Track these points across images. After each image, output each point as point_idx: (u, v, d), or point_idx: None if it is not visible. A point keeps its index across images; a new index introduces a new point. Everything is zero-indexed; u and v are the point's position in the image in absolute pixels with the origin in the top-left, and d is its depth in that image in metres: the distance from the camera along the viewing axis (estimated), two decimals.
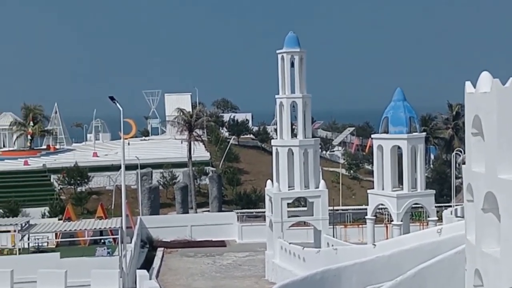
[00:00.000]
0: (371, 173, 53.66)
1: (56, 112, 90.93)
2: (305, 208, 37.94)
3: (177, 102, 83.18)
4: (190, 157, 58.92)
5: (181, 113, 61.62)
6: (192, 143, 59.59)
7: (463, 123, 12.59)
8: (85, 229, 41.70)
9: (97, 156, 71.53)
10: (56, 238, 43.32)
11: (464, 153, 13.60)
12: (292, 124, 37.52)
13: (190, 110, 68.66)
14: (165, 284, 35.11)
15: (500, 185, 10.65)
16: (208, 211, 57.02)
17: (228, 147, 71.48)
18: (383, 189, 33.43)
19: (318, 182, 35.96)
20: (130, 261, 34.43)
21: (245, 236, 47.72)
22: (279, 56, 36.24)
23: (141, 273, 30.51)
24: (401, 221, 32.59)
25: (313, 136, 38.66)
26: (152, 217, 51.65)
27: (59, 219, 46.80)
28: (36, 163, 68.17)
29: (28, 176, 63.42)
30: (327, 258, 27.71)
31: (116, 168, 55.43)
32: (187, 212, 55.11)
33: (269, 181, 36.97)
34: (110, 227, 41.13)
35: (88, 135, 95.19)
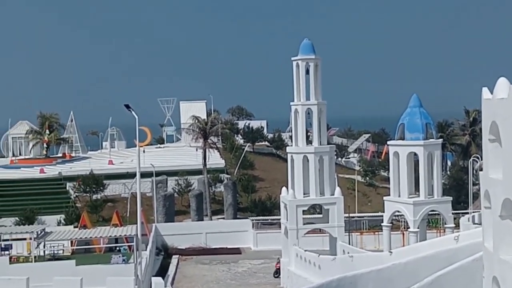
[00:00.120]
0: (387, 179, 53.42)
1: (72, 120, 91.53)
2: (320, 215, 37.79)
3: (192, 110, 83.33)
4: (205, 165, 59.00)
5: (196, 121, 61.74)
6: (207, 150, 59.68)
7: (480, 129, 12.47)
8: (101, 236, 41.83)
9: (113, 164, 71.84)
10: (71, 246, 43.49)
11: (482, 159, 13.46)
12: (307, 131, 37.43)
13: (205, 117, 68.77)
14: None
15: None
16: (223, 218, 57.01)
17: (243, 154, 71.49)
18: (399, 196, 33.23)
19: (333, 189, 35.82)
20: (145, 268, 34.45)
21: (260, 243, 47.63)
22: (294, 63, 36.21)
23: (156, 280, 30.53)
24: (418, 228, 32.36)
25: (328, 143, 38.54)
26: (167, 224, 51.73)
27: (74, 227, 47.01)
28: (52, 171, 68.60)
29: (44, 184, 63.84)
30: (343, 266, 27.54)
31: (132, 175, 55.60)
32: (202, 220, 55.14)
33: (284, 188, 36.88)
34: (125, 235, 41.24)
35: (104, 143, 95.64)
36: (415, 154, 33.29)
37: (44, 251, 41.48)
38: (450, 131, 77.56)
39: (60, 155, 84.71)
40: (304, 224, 35.48)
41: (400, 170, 33.25)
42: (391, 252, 26.39)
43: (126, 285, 30.95)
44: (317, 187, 35.41)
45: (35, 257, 39.73)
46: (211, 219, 55.85)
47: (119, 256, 38.83)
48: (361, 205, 59.03)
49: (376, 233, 44.91)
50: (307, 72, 35.93)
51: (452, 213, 34.66)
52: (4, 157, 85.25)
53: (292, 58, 36.34)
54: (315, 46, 36.30)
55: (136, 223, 35.71)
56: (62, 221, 54.13)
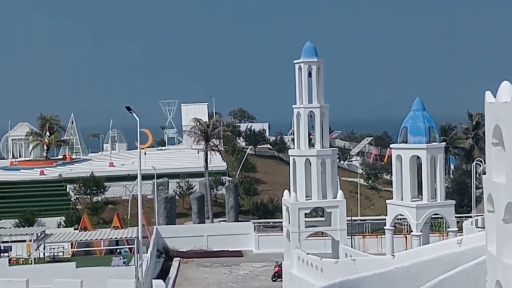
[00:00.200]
0: (389, 183, 53.28)
1: (72, 122, 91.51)
2: (323, 218, 37.65)
3: (194, 112, 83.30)
4: (206, 167, 58.89)
5: (198, 123, 61.68)
6: (208, 153, 59.60)
7: (483, 132, 12.35)
8: (101, 238, 41.69)
9: (113, 166, 71.78)
10: (71, 248, 43.36)
11: (485, 163, 13.32)
12: (309, 134, 37.29)
13: (207, 120, 68.72)
14: None
15: None
16: (225, 221, 56.89)
17: (244, 157, 71.39)
18: (402, 199, 33.07)
19: (336, 192, 35.67)
20: (146, 271, 34.32)
21: (262, 246, 47.49)
22: (297, 66, 36.09)
23: (157, 283, 30.40)
24: (421, 231, 32.19)
25: (330, 146, 38.41)
26: (168, 227, 51.62)
27: (75, 229, 46.89)
28: (52, 173, 68.55)
29: (44, 186, 63.77)
30: (346, 269, 27.38)
31: (133, 178, 55.51)
32: (204, 222, 55.00)
33: (286, 191, 36.75)
34: (126, 237, 41.11)
35: (105, 145, 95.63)
36: (418, 157, 33.12)
37: (44, 253, 41.36)
38: (453, 134, 77.41)
39: (60, 157, 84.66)
40: (306, 227, 35.32)
41: (403, 173, 33.10)
42: (393, 255, 26.21)
43: (126, 287, 30.82)
44: (319, 190, 35.27)
45: (34, 259, 39.61)
46: (213, 222, 55.72)
47: (120, 259, 38.71)
48: (364, 208, 58.87)
49: (379, 236, 44.76)
50: (310, 75, 35.80)
51: (455, 217, 34.47)
52: (4, 158, 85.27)
53: (295, 61, 36.22)
54: (318, 48, 36.18)
55: (137, 226, 35.61)
56: (62, 223, 54.05)
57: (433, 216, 34.40)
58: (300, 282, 32.86)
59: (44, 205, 58.08)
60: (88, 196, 61.11)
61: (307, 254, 33.43)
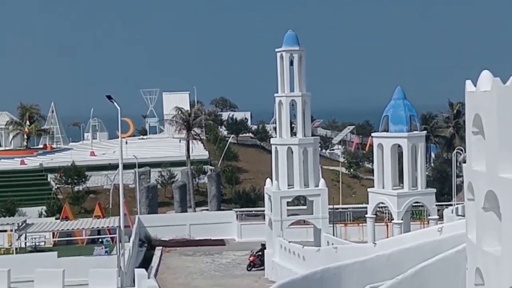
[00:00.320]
0: (371, 171, 53.56)
1: (52, 111, 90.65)
2: (305, 207, 37.82)
3: (175, 101, 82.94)
4: (188, 156, 58.79)
5: (179, 112, 61.48)
6: (190, 142, 59.46)
7: (464, 121, 12.45)
8: (83, 228, 41.44)
9: (95, 155, 71.38)
10: (53, 238, 43.10)
11: (465, 151, 13.45)
12: (291, 123, 37.39)
13: (189, 109, 68.47)
14: (164, 283, 34.96)
15: (501, 184, 10.53)
16: (207, 210, 56.89)
17: (227, 145, 71.34)
18: (383, 187, 33.31)
19: (317, 180, 35.84)
20: (128, 260, 34.28)
21: (244, 234, 47.60)
22: (278, 54, 36.09)
23: (140, 272, 30.37)
24: (402, 219, 32.47)
25: (312, 135, 38.52)
26: (150, 216, 51.51)
27: (56, 218, 46.63)
28: (32, 162, 67.98)
29: (25, 176, 63.26)
30: (327, 257, 27.57)
31: (114, 167, 55.24)
32: (186, 211, 54.96)
33: (268, 180, 36.84)
34: (108, 226, 40.89)
35: (85, 134, 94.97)
36: (399, 146, 33.35)
37: (25, 243, 41.09)
38: (434, 123, 77.95)
39: (41, 146, 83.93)
40: (288, 215, 35.49)
41: (384, 162, 33.32)
42: (375, 243, 26.44)
43: (109, 276, 30.75)
44: (301, 179, 35.41)
45: (16, 249, 39.33)
46: (195, 211, 55.69)
47: (102, 248, 38.56)
48: (345, 197, 59.17)
49: (360, 224, 45.04)
50: (291, 63, 35.85)
51: (436, 205, 34.80)
52: None
53: (276, 50, 36.21)
54: (299, 37, 36.22)
55: (119, 215, 35.52)
56: (44, 212, 53.71)
57: (414, 204, 34.70)
58: (282, 270, 33.04)
59: (25, 194, 57.65)
60: (69, 186, 60.74)
61: (289, 242, 33.61)
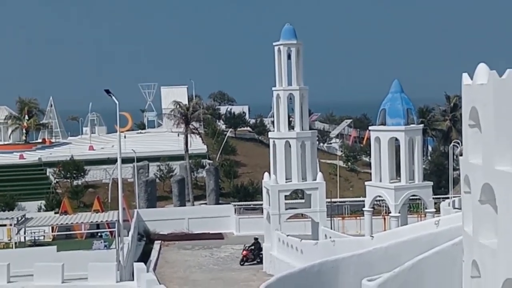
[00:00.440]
0: (368, 165, 53.70)
1: (51, 106, 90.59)
2: (302, 200, 37.92)
3: (174, 95, 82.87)
4: (187, 150, 58.84)
5: (178, 106, 61.49)
6: (188, 136, 59.51)
7: (461, 114, 12.50)
8: (82, 222, 41.58)
9: (93, 150, 71.39)
10: (52, 232, 43.22)
11: (462, 144, 13.54)
12: (289, 117, 37.43)
13: (187, 103, 68.44)
14: (163, 277, 35.07)
15: (497, 177, 10.59)
16: (205, 203, 56.99)
17: (225, 139, 71.39)
18: (380, 181, 33.41)
19: (315, 174, 35.92)
20: (127, 254, 34.36)
21: (243, 228, 47.70)
22: (276, 48, 36.11)
23: (139, 266, 30.42)
24: (399, 212, 32.59)
25: (310, 128, 38.58)
26: (149, 210, 51.60)
27: (55, 213, 46.71)
28: (31, 156, 67.99)
29: (24, 170, 63.29)
30: (325, 250, 27.67)
31: (113, 161, 55.29)
32: (184, 205, 55.06)
33: (266, 174, 36.91)
34: (107, 220, 41.03)
35: (84, 129, 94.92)
36: (396, 139, 33.45)
37: (24, 237, 41.19)
38: (431, 116, 78.02)
39: (39, 140, 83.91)
40: (286, 209, 35.58)
41: (381, 155, 33.41)
42: (372, 236, 26.55)
43: (108, 270, 30.80)
44: (299, 172, 35.49)
45: (15, 243, 39.44)
46: (193, 205, 55.79)
47: (101, 242, 38.68)
48: (343, 190, 59.30)
49: (358, 218, 45.18)
50: (289, 57, 35.86)
51: (433, 198, 34.94)
52: None
53: (274, 43, 36.23)
54: (297, 30, 36.22)
55: (118, 209, 35.59)
56: (43, 207, 53.77)
57: (411, 197, 34.82)
58: (280, 263, 33.16)
59: (24, 189, 57.69)
60: (68, 180, 60.79)
61: (287, 235, 33.71)
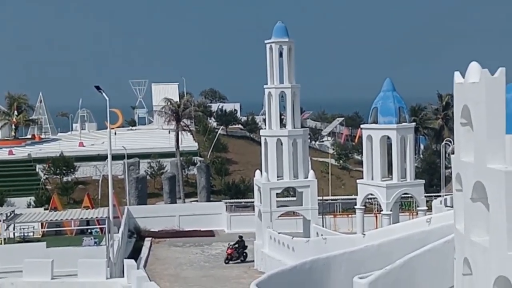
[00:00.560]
0: (360, 163, 53.75)
1: (41, 102, 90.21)
2: (294, 198, 37.91)
3: (164, 92, 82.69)
4: (178, 147, 58.70)
5: (169, 103, 61.32)
6: (180, 133, 59.37)
7: (453, 113, 12.48)
8: (72, 219, 41.38)
9: (83, 146, 71.12)
10: (42, 228, 43.00)
11: (454, 143, 13.53)
12: (281, 114, 37.38)
13: (178, 100, 68.33)
14: (153, 274, 34.95)
15: (489, 175, 10.60)
16: (197, 201, 56.90)
17: (216, 137, 71.30)
18: (372, 179, 33.43)
19: (307, 172, 35.89)
20: (117, 251, 34.24)
21: (234, 226, 47.63)
22: (268, 46, 36.04)
23: (129, 262, 30.29)
24: (391, 211, 32.64)
25: (302, 126, 38.55)
26: (139, 207, 51.43)
27: (45, 209, 46.43)
28: (21, 152, 67.68)
29: (13, 166, 63.01)
30: (316, 248, 27.66)
31: (103, 158, 55.11)
32: (175, 202, 54.94)
33: (257, 171, 36.85)
34: (97, 217, 40.85)
35: (74, 125, 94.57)
36: (388, 137, 33.48)
37: (14, 233, 40.95)
38: (423, 115, 78.25)
39: (29, 136, 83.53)
40: (277, 206, 35.54)
41: (373, 153, 33.43)
42: (364, 234, 26.55)
43: (98, 267, 30.64)
44: (290, 170, 35.45)
45: (4, 239, 39.19)
46: (184, 202, 55.69)
47: (91, 239, 38.50)
48: (335, 188, 59.35)
49: (350, 215, 45.21)
50: (281, 55, 35.79)
51: (425, 196, 35.02)
52: None
53: (266, 41, 36.16)
54: (289, 28, 36.17)
55: (108, 206, 35.46)
56: (32, 203, 53.51)
57: (403, 195, 34.88)
58: (271, 261, 33.12)
59: (13, 185, 57.41)
60: (58, 176, 60.54)
61: (279, 233, 33.67)
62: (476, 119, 11.10)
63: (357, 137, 79.16)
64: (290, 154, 35.42)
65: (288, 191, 42.01)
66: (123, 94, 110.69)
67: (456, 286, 12.33)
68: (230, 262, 37.47)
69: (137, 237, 46.25)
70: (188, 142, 65.26)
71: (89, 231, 42.66)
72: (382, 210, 33.48)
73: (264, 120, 44.72)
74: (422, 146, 78.83)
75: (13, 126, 79.98)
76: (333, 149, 79.15)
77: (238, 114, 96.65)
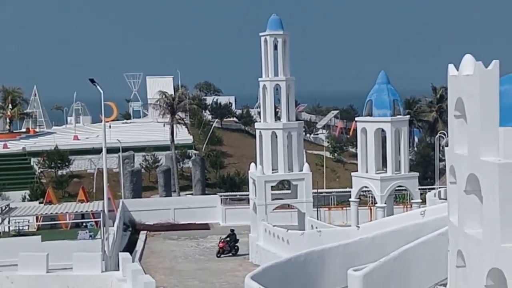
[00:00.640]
0: (355, 156, 53.82)
1: (35, 95, 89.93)
2: (289, 191, 37.96)
3: (159, 85, 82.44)
4: (172, 140, 58.65)
5: (163, 96, 61.21)
6: (174, 126, 59.30)
7: (447, 106, 12.50)
8: (67, 212, 41.33)
9: (78, 139, 70.99)
10: (37, 222, 42.96)
11: (448, 135, 13.59)
12: (275, 107, 37.39)
13: (172, 93, 68.19)
14: (148, 267, 35.00)
15: (483, 167, 10.63)
16: (192, 194, 56.91)
17: (211, 130, 71.25)
18: (367, 171, 33.53)
19: (302, 165, 35.94)
20: (112, 244, 34.27)
21: (229, 219, 47.69)
22: (262, 39, 36.01)
23: (124, 256, 30.29)
24: (385, 203, 32.75)
25: (296, 119, 38.60)
26: (134, 200, 51.42)
27: (40, 203, 46.36)
28: (15, 146, 67.52)
29: (8, 160, 62.83)
30: (311, 240, 27.74)
31: (97, 151, 55.02)
32: (170, 195, 54.93)
33: (252, 164, 36.88)
34: (92, 211, 40.83)
35: (69, 118, 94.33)
36: (383, 130, 33.55)
37: (9, 227, 40.90)
38: (417, 107, 78.34)
39: (24, 130, 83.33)
40: (272, 199, 35.61)
41: (367, 146, 33.50)
42: (358, 227, 26.66)
43: (93, 260, 30.55)
44: (285, 163, 35.50)
45: None
46: (179, 195, 55.69)
47: (86, 232, 38.49)
48: (329, 181, 59.44)
49: (344, 208, 45.31)
50: (275, 48, 35.78)
51: (419, 189, 35.14)
52: None
53: (260, 34, 36.12)
54: (283, 20, 36.14)
55: (103, 199, 35.44)
56: (27, 196, 53.42)
57: (397, 188, 34.99)
58: (266, 254, 33.21)
59: (8, 178, 57.28)
60: (53, 170, 60.42)
61: (274, 226, 33.76)
62: (470, 111, 11.13)
63: (351, 130, 79.23)
64: (284, 147, 35.46)
65: (283, 184, 42.05)
66: (118, 87, 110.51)
67: (449, 278, 12.39)
68: (222, 255, 37.54)
69: (132, 230, 46.28)
70: (183, 135, 65.20)
71: (84, 224, 42.66)
72: (376, 203, 33.59)
73: (259, 113, 44.68)
74: (416, 139, 78.95)
75: (8, 120, 79.79)
76: (328, 142, 79.18)
77: (233, 107, 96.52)
